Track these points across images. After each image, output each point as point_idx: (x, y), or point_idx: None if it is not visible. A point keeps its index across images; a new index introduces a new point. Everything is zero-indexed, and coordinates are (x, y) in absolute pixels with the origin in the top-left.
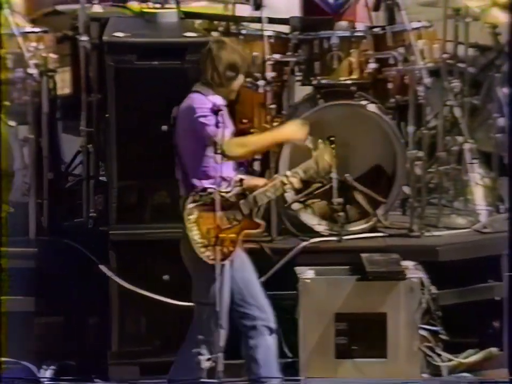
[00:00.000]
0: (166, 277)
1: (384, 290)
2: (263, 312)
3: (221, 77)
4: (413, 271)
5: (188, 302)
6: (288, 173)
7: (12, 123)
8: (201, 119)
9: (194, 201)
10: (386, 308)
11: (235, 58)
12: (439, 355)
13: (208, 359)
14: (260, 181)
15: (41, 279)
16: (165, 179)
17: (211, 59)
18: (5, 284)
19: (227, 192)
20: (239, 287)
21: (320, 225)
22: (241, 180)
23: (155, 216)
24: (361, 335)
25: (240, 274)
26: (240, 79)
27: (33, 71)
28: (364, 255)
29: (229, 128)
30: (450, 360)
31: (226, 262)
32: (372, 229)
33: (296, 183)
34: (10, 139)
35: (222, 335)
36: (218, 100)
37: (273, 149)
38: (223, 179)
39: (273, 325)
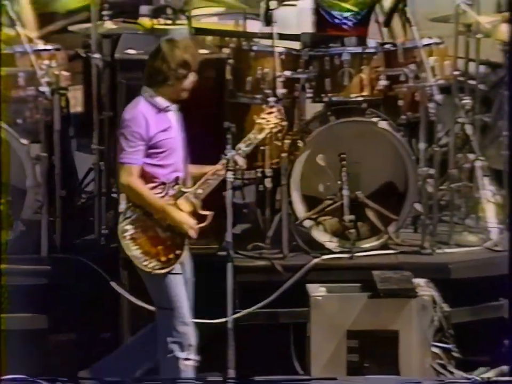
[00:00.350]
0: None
1: (396, 308)
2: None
3: (171, 76)
4: (425, 288)
5: (197, 318)
6: (231, 152)
7: (24, 141)
8: (121, 138)
9: (125, 218)
10: (398, 325)
11: (187, 56)
12: (451, 373)
13: (187, 359)
14: (206, 168)
15: (53, 296)
16: None
17: (162, 58)
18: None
19: (162, 197)
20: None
21: (331, 242)
22: (176, 178)
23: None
24: (373, 352)
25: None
26: (191, 77)
27: (45, 89)
28: (375, 272)
29: (174, 129)
30: (463, 378)
31: (176, 267)
32: (384, 246)
33: (241, 161)
34: (23, 157)
35: (191, 333)
36: (163, 103)
37: (158, 215)
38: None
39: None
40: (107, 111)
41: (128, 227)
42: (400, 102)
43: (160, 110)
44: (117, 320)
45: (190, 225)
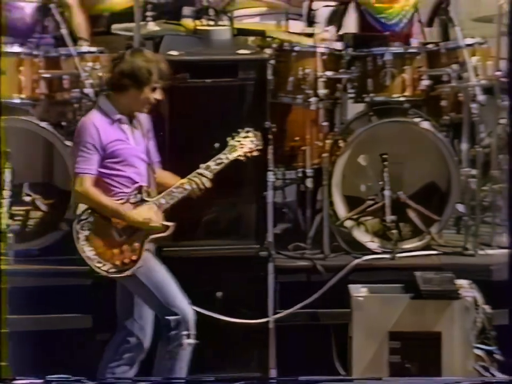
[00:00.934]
0: (219, 294)
1: (438, 309)
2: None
3: (129, 84)
4: (467, 290)
5: (240, 318)
6: (201, 168)
7: (68, 143)
8: (75, 148)
9: (80, 220)
10: (440, 326)
11: (150, 66)
12: (493, 375)
13: (189, 336)
14: (173, 179)
15: (97, 297)
16: (218, 196)
17: (124, 65)
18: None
19: (123, 203)
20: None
21: (373, 243)
22: (139, 188)
23: (206, 233)
24: (415, 354)
25: (149, 279)
26: (151, 90)
27: (89, 91)
28: (417, 273)
29: (130, 140)
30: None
31: (129, 273)
32: (426, 247)
33: (206, 182)
34: (67, 159)
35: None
36: (115, 114)
37: (116, 218)
38: (123, 193)
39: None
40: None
41: (83, 229)
42: (443, 102)
43: (113, 120)
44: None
45: (153, 218)
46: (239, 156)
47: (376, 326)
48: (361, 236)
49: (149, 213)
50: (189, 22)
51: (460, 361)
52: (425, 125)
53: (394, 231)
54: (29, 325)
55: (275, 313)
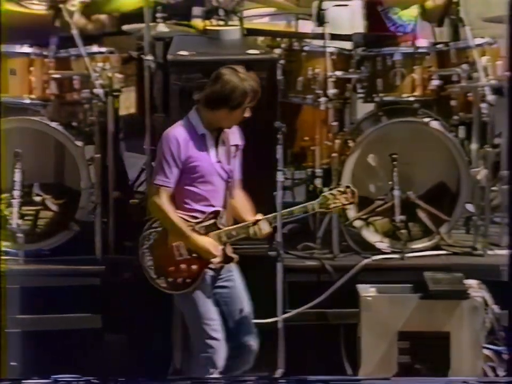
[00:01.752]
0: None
1: (447, 309)
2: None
3: (222, 103)
4: (477, 290)
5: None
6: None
7: (79, 143)
8: (156, 158)
9: (150, 227)
10: (449, 327)
11: (245, 86)
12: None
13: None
14: (248, 215)
15: (107, 297)
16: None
17: (219, 83)
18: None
19: (197, 223)
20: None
21: (382, 243)
22: (215, 213)
23: None
24: (425, 354)
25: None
26: (242, 110)
27: (99, 91)
28: (427, 273)
29: (211, 157)
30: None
31: (178, 293)
32: (435, 247)
33: (267, 229)
34: (77, 159)
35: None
36: (201, 129)
37: (180, 239)
38: (197, 211)
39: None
40: (159, 112)
41: (149, 237)
42: (453, 102)
43: (197, 134)
44: (170, 320)
45: (213, 252)
46: (327, 209)
47: (385, 326)
48: (370, 235)
49: (212, 244)
50: (198, 22)
51: (468, 362)
52: (435, 125)
53: (403, 231)
54: (38, 325)
55: (284, 312)
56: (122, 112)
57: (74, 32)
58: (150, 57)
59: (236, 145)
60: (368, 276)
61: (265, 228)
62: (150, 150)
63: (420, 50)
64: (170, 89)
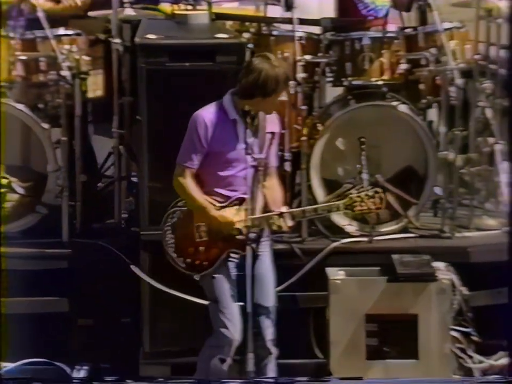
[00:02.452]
0: (197, 277)
1: (415, 292)
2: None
3: (256, 91)
4: (444, 272)
5: None
6: (306, 209)
7: (45, 125)
8: (184, 139)
9: (175, 205)
10: (417, 309)
11: (278, 73)
12: (470, 357)
13: (223, 360)
14: (275, 206)
15: (74, 281)
16: None
17: (253, 72)
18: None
19: (221, 207)
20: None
21: (350, 226)
22: (240, 199)
23: None
24: (392, 336)
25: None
26: (278, 96)
27: (66, 73)
28: (394, 256)
29: (239, 143)
30: (481, 362)
31: (196, 276)
32: (403, 230)
33: (288, 223)
34: (44, 141)
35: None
36: (233, 114)
37: (201, 216)
38: (222, 195)
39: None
40: (127, 95)
41: (173, 216)
42: (421, 86)
43: (228, 119)
44: (138, 304)
45: (233, 220)
46: (352, 211)
47: (354, 308)
48: (339, 219)
49: (234, 217)
50: (167, 7)
51: (436, 344)
52: (403, 108)
53: (371, 214)
54: (5, 308)
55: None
56: (90, 95)
57: (40, 14)
58: (117, 40)
59: (272, 133)
60: (337, 259)
61: (288, 222)
62: (117, 133)
63: (388, 35)
64: (138, 72)
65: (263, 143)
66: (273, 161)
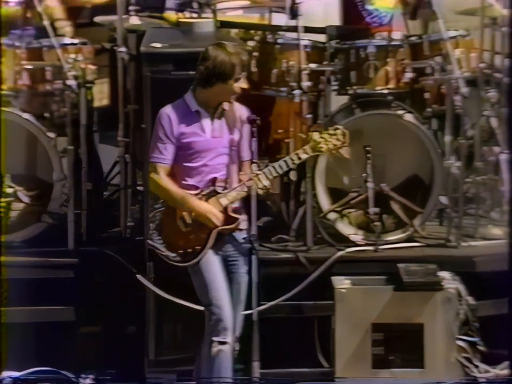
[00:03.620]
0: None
1: (421, 301)
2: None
3: (211, 78)
4: (450, 281)
5: None
6: (270, 165)
7: (51, 134)
8: (152, 139)
9: (154, 209)
10: (423, 318)
11: (230, 59)
12: (476, 366)
13: (222, 342)
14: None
15: (80, 289)
16: None
17: (206, 60)
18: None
19: (197, 194)
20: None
21: (356, 235)
22: (213, 179)
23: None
24: (398, 345)
25: (201, 274)
26: (230, 85)
27: (71, 82)
28: (400, 265)
29: (206, 132)
30: (487, 371)
31: (191, 263)
32: (409, 239)
33: (264, 180)
34: (50, 150)
35: (226, 316)
36: (194, 105)
37: (180, 207)
38: (195, 187)
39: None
40: (132, 103)
41: (155, 218)
42: (426, 95)
43: (190, 111)
44: (143, 313)
45: (213, 214)
46: (321, 152)
47: (359, 318)
48: (344, 228)
49: (210, 210)
50: (172, 15)
51: (442, 353)
52: (409, 117)
53: (377, 223)
54: (11, 318)
55: (258, 305)
56: (96, 103)
57: (46, 23)
58: (123, 49)
59: (241, 121)
60: (342, 268)
61: (264, 182)
62: (123, 142)
63: (393, 43)
64: (143, 80)
65: (232, 131)
66: (246, 155)
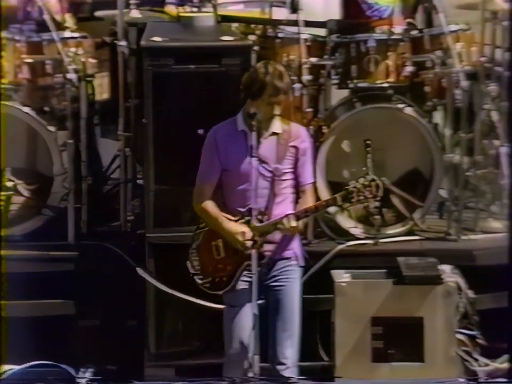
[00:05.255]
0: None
1: (421, 294)
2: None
3: (241, 92)
4: (450, 275)
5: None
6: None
7: (51, 128)
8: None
9: (198, 228)
10: (423, 312)
11: (259, 79)
12: (476, 360)
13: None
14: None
15: (80, 283)
16: None
17: (256, 79)
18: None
19: (235, 221)
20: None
21: (356, 229)
22: (249, 210)
23: (191, 219)
24: (398, 339)
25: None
26: (260, 104)
27: (72, 76)
28: (400, 259)
29: (247, 155)
30: (487, 365)
31: (218, 293)
32: (409, 233)
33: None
34: (50, 144)
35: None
36: (242, 125)
37: (214, 227)
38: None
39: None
40: (133, 98)
41: (196, 238)
42: (427, 88)
43: (237, 131)
44: (143, 306)
45: (241, 234)
46: (350, 202)
47: (359, 311)
48: (344, 221)
49: (240, 229)
50: (172, 9)
51: (442, 346)
52: (409, 111)
53: (377, 217)
54: (11, 311)
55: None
56: (96, 97)
57: (47, 17)
58: (123, 42)
59: (295, 147)
60: (342, 261)
61: (291, 223)
62: (123, 136)
63: (394, 37)
64: (144, 74)
65: (281, 156)
66: (304, 179)
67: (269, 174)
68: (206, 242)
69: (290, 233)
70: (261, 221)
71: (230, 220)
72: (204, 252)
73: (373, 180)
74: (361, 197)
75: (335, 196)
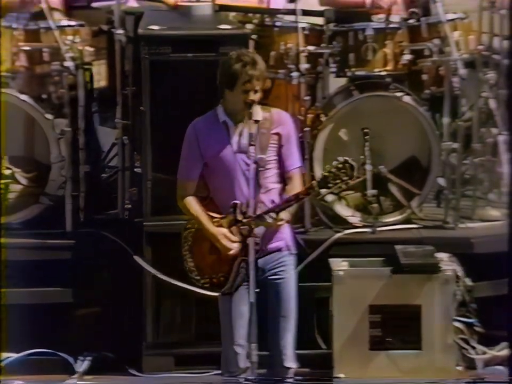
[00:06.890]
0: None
1: (418, 283)
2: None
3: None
4: (448, 263)
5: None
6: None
7: (49, 116)
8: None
9: (187, 228)
10: (420, 300)
11: (233, 68)
12: (473, 347)
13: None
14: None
15: (77, 271)
16: None
17: (232, 68)
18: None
19: (221, 218)
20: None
21: (354, 217)
22: (234, 205)
23: None
24: (396, 327)
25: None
26: (237, 94)
27: (69, 64)
28: (398, 247)
29: (231, 147)
30: (484, 352)
31: (220, 292)
32: (406, 221)
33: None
34: (47, 132)
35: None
36: (222, 116)
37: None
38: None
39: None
40: (130, 86)
41: (187, 238)
42: (425, 77)
43: (218, 122)
44: (140, 294)
45: (223, 244)
46: (328, 188)
47: (357, 299)
48: (342, 210)
49: (223, 235)
50: None
51: (440, 334)
52: (407, 99)
53: (375, 205)
54: (9, 299)
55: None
56: (93, 85)
57: (44, 5)
58: (120, 31)
59: (278, 134)
60: (340, 250)
61: (274, 217)
62: (121, 124)
63: (391, 25)
64: (141, 63)
65: (263, 145)
66: (290, 164)
67: (250, 166)
68: (197, 243)
69: (276, 227)
70: (245, 214)
71: (213, 217)
72: (197, 253)
73: (346, 162)
74: (337, 180)
75: (312, 182)
